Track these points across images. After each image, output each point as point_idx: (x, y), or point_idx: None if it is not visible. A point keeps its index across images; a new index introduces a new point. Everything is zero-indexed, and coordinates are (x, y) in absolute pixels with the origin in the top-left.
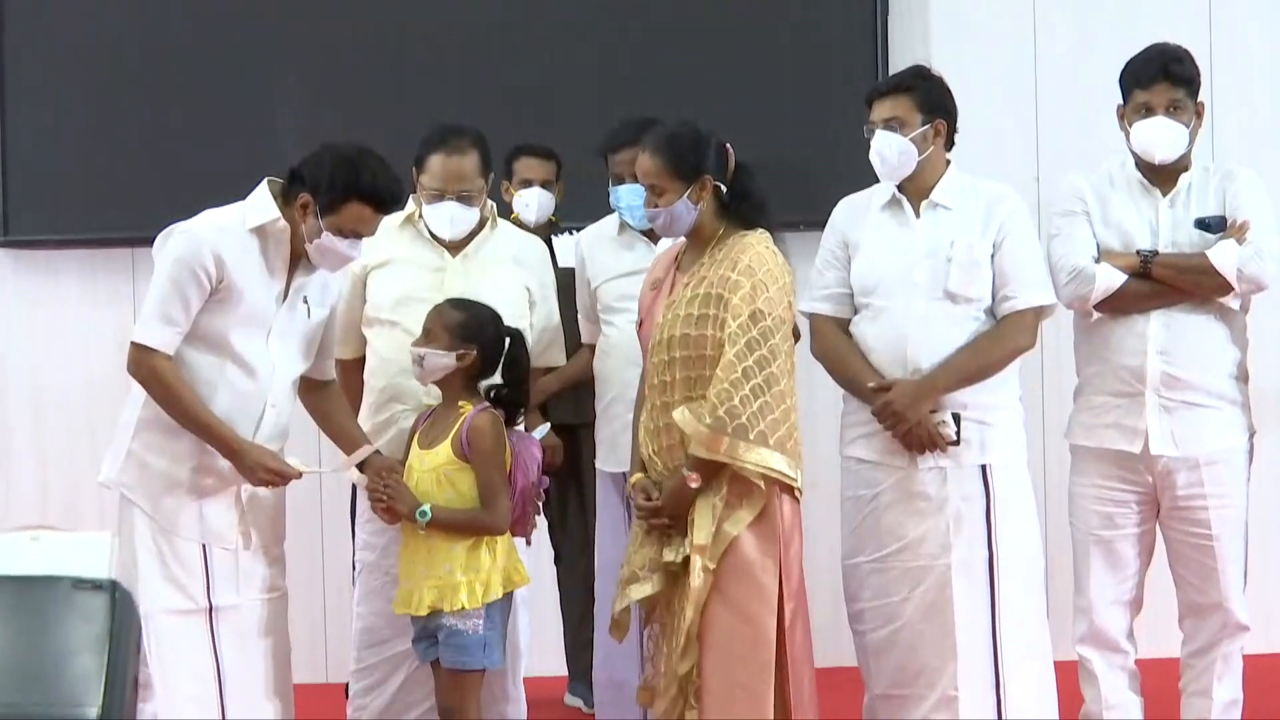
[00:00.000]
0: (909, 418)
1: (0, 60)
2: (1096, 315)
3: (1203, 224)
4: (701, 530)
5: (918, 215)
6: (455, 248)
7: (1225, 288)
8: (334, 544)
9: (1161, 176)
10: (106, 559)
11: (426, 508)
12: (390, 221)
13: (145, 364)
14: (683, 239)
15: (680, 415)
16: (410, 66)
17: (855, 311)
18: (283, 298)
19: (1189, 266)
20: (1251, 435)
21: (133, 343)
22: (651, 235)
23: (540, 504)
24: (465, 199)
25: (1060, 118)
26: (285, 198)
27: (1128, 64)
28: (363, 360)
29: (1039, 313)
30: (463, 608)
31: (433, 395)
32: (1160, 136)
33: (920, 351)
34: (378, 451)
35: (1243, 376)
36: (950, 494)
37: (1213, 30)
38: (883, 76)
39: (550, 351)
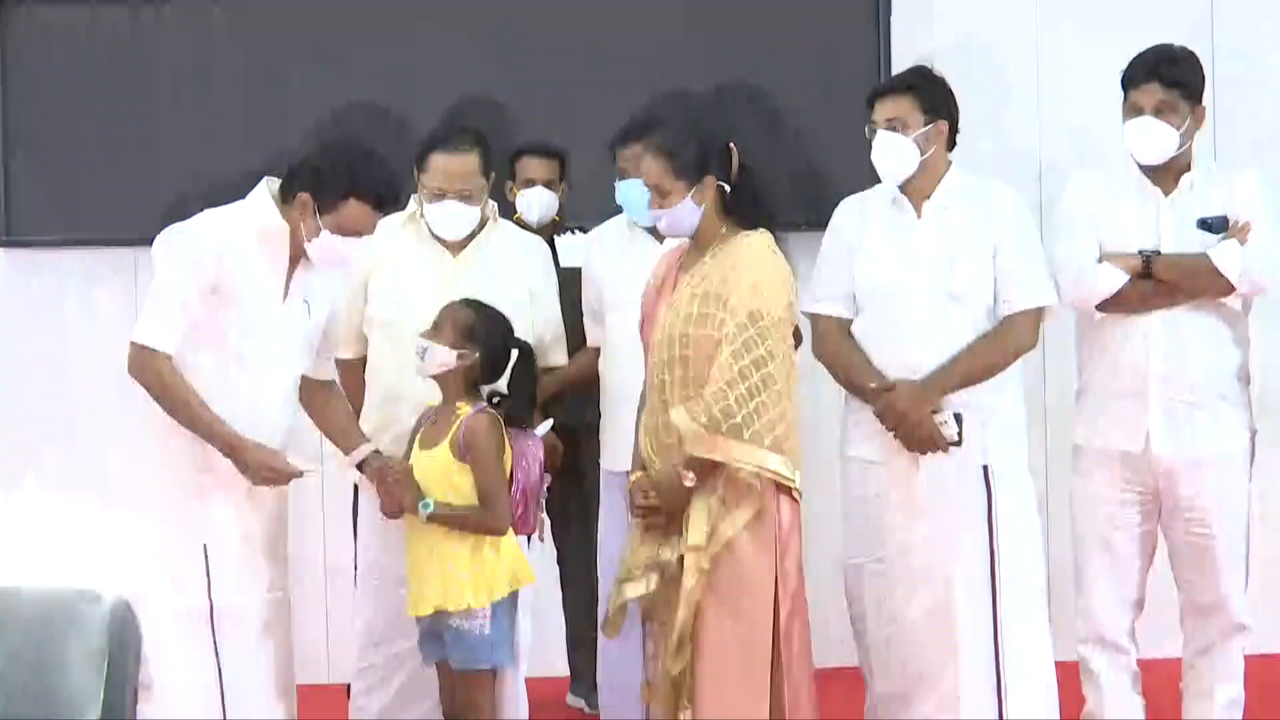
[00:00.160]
0: (911, 418)
1: (1, 60)
2: (1099, 316)
3: (1205, 224)
4: (696, 530)
5: (919, 216)
6: (457, 247)
7: (1227, 288)
8: (336, 544)
9: (1163, 177)
10: (106, 566)
11: (430, 500)
12: (392, 221)
13: (145, 364)
14: (686, 238)
15: (677, 414)
16: (414, 66)
17: (857, 312)
18: (283, 297)
19: (1191, 267)
20: (1253, 435)
21: (132, 342)
22: (658, 234)
23: (543, 503)
24: (466, 198)
25: (1062, 118)
26: (284, 197)
27: (1127, 64)
28: (364, 360)
29: (1040, 313)
30: (468, 607)
31: (434, 395)
32: (1146, 137)
33: (922, 352)
34: (377, 451)
35: (1244, 377)
36: (952, 494)
37: (1216, 31)
38: (885, 77)
39: (551, 352)
